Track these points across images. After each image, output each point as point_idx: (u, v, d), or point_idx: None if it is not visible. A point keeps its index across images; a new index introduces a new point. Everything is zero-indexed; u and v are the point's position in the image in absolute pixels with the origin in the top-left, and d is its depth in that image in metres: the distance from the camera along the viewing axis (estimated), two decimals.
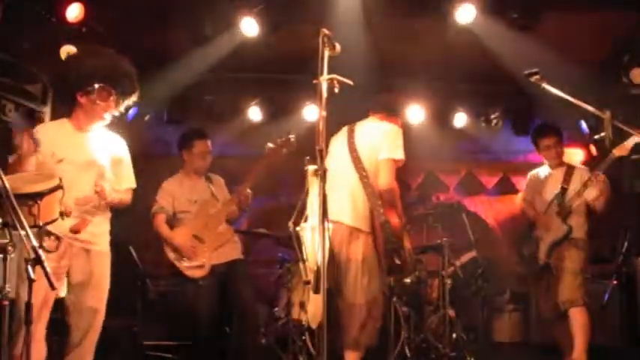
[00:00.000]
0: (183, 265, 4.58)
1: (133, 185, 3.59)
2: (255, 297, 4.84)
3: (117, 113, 3.41)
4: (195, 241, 4.60)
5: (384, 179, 3.75)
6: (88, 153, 3.31)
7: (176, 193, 4.77)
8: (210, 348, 4.75)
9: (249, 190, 4.73)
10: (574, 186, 4.62)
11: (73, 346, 3.26)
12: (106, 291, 3.40)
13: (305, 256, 3.27)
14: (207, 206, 4.73)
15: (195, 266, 4.57)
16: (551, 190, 4.75)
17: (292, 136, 4.76)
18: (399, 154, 3.79)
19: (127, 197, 3.54)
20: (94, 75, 3.22)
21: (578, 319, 4.41)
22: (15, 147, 3.06)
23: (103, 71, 3.24)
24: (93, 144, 3.34)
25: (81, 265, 3.26)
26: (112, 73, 3.26)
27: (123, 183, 3.51)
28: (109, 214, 3.46)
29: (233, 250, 4.76)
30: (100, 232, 3.36)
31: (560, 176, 4.76)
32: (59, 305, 3.26)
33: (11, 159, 3.11)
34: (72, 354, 3.26)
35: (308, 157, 3.00)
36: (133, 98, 3.46)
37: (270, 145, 4.70)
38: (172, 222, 4.76)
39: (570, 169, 4.75)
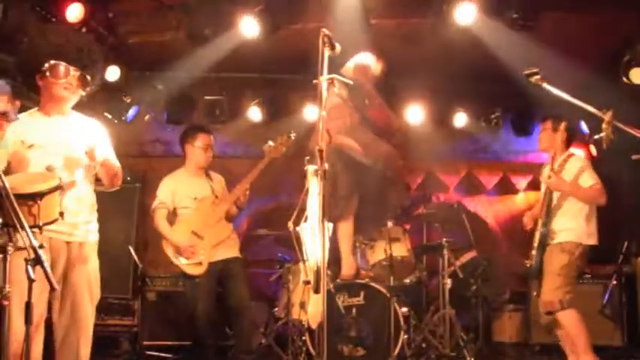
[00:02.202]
0: (182, 262, 4.59)
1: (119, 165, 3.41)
2: (252, 296, 4.84)
3: (84, 91, 3.23)
4: (194, 238, 4.62)
5: None
6: (60, 137, 3.18)
7: (176, 188, 4.78)
8: (210, 348, 4.76)
9: (247, 190, 4.73)
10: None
11: (58, 345, 3.15)
12: (91, 285, 3.21)
13: (305, 256, 3.26)
14: (206, 203, 4.74)
15: (193, 263, 4.58)
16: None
17: (292, 135, 4.78)
18: None
19: (119, 171, 3.35)
20: (45, 54, 3.11)
21: (564, 324, 4.20)
22: None
23: (54, 48, 3.12)
24: (65, 128, 3.22)
25: (61, 259, 3.12)
26: (64, 49, 3.13)
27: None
28: (93, 202, 3.30)
29: (231, 248, 4.78)
30: (80, 222, 3.19)
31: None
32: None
33: None
34: (59, 353, 3.15)
35: (308, 157, 3.00)
36: (98, 73, 3.28)
37: (271, 143, 4.71)
38: (172, 218, 4.77)
39: (563, 162, 4.38)
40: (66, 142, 3.19)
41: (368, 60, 4.82)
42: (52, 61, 3.10)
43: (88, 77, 3.20)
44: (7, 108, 2.79)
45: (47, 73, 3.12)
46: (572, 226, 4.30)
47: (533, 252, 4.34)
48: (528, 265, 4.37)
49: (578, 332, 4.17)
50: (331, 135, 4.00)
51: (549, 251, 4.31)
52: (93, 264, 3.27)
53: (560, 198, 4.34)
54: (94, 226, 3.32)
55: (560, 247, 4.28)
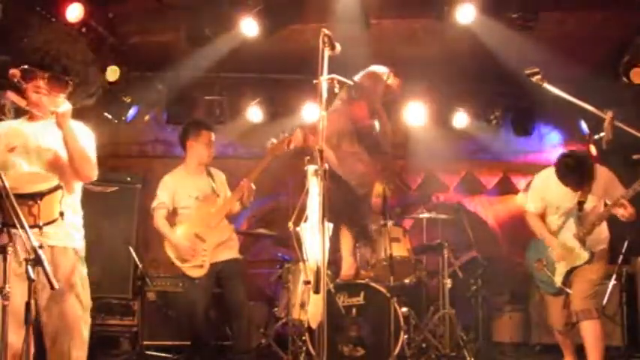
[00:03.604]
0: (184, 264, 4.57)
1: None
2: (252, 296, 4.83)
3: (63, 93, 3.15)
4: (197, 240, 4.59)
5: None
6: (41, 140, 3.15)
7: (177, 187, 4.72)
8: (210, 348, 4.76)
9: (252, 186, 4.71)
10: (593, 198, 4.18)
11: (48, 351, 3.11)
12: (78, 290, 3.16)
13: (305, 256, 3.26)
14: (208, 203, 4.71)
15: (194, 266, 4.57)
16: (564, 203, 4.28)
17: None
18: None
19: (87, 153, 3.19)
20: (24, 57, 3.13)
21: (592, 333, 4.11)
22: None
23: (30, 53, 3.14)
24: (48, 132, 3.17)
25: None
26: (34, 53, 3.15)
27: None
28: (77, 208, 3.27)
29: (231, 249, 4.76)
30: (63, 224, 3.10)
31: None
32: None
33: None
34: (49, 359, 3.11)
35: (308, 157, 3.01)
36: (85, 76, 3.30)
37: (274, 140, 4.70)
38: (172, 218, 4.72)
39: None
40: (47, 146, 3.14)
41: (383, 70, 4.80)
42: (24, 66, 3.05)
43: (67, 79, 3.13)
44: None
45: (19, 77, 3.07)
46: (606, 234, 4.33)
47: (561, 272, 4.28)
48: (558, 286, 4.28)
49: (601, 342, 4.14)
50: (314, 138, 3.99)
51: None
52: (79, 270, 3.20)
53: (595, 212, 4.21)
54: (80, 233, 3.26)
55: (599, 256, 4.24)
